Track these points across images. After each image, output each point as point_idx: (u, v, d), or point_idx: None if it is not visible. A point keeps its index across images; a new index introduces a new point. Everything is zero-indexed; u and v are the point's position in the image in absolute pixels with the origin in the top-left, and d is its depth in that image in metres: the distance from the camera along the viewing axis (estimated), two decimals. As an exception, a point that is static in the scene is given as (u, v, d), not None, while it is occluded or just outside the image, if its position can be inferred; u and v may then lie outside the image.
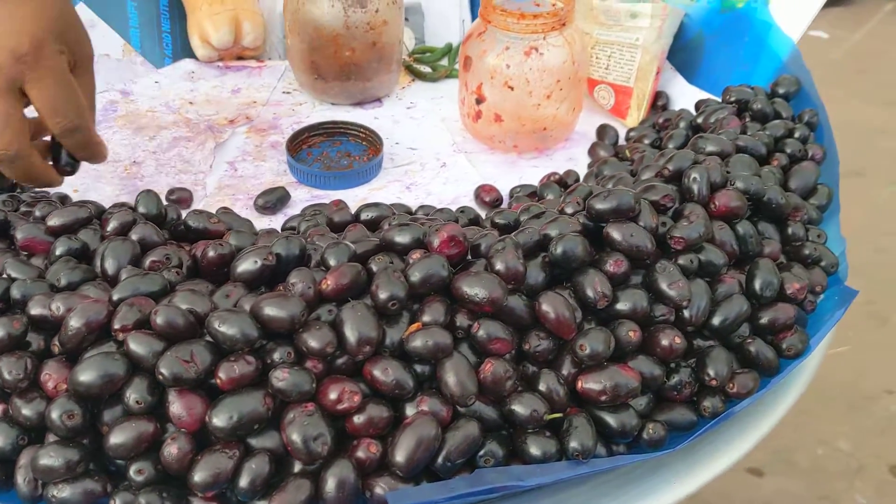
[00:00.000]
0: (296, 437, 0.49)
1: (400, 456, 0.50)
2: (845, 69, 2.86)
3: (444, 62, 1.16)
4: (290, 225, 0.79)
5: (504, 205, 0.89)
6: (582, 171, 0.94)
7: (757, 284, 0.62)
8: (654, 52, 0.99)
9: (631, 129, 0.98)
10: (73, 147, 0.73)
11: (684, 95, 1.03)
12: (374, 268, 0.57)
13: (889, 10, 3.32)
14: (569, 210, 0.66)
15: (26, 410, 0.51)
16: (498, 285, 0.54)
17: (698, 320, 0.59)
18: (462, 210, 0.78)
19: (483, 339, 0.54)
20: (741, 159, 0.71)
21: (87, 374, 0.50)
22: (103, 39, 1.09)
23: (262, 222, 0.86)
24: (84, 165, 0.93)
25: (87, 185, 0.91)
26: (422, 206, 0.86)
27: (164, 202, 0.73)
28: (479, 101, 0.94)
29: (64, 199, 0.85)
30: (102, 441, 0.50)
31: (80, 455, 0.50)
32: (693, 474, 0.58)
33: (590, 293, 0.57)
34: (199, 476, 0.49)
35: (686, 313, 0.59)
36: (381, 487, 0.50)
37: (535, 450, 0.52)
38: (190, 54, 1.15)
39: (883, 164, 2.40)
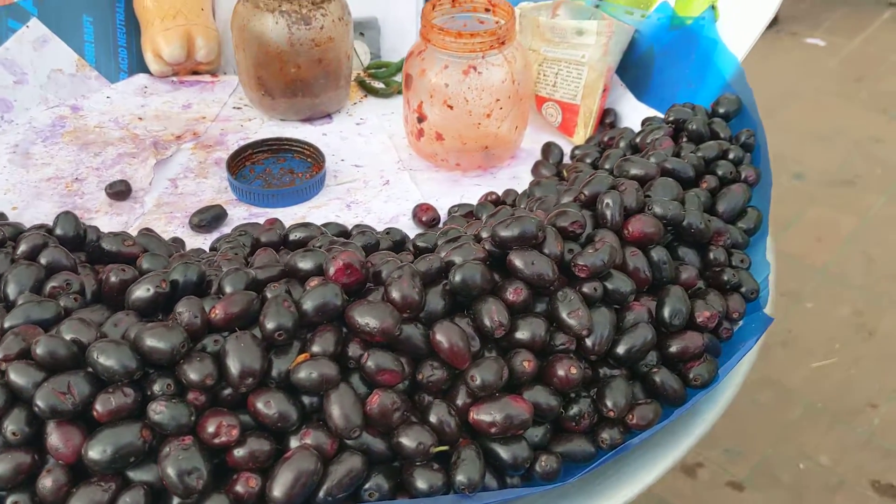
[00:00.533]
0: (171, 471, 0.49)
1: (277, 491, 0.49)
2: (842, 77, 2.84)
3: (399, 78, 1.15)
4: (215, 245, 0.79)
5: (441, 223, 0.88)
6: (523, 188, 0.93)
7: (666, 313, 0.62)
8: (601, 70, 0.98)
9: (576, 148, 0.98)
10: None
11: (634, 112, 1.02)
12: (268, 295, 0.57)
13: (887, 17, 3.30)
14: (484, 234, 0.66)
15: None
16: (390, 315, 0.54)
17: (601, 349, 0.59)
18: (388, 231, 0.77)
19: (371, 370, 0.53)
20: (664, 183, 0.70)
21: (-38, 406, 0.49)
22: (56, 55, 1.09)
23: (196, 241, 0.85)
24: (25, 182, 0.93)
25: (26, 202, 0.91)
26: (357, 226, 0.85)
27: (83, 223, 0.72)
28: (421, 119, 0.94)
29: (1, 216, 0.85)
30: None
31: (-46, 488, 0.49)
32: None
33: (487, 322, 0.56)
34: (73, 509, 0.49)
35: (588, 342, 0.58)
36: (258, 522, 0.49)
37: (421, 483, 0.52)
38: (145, 69, 1.15)
39: (876, 173, 2.38)
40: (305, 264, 0.60)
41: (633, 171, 0.72)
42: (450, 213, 0.89)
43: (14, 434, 0.50)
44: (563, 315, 0.57)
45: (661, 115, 0.96)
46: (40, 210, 0.90)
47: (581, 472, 0.55)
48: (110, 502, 0.49)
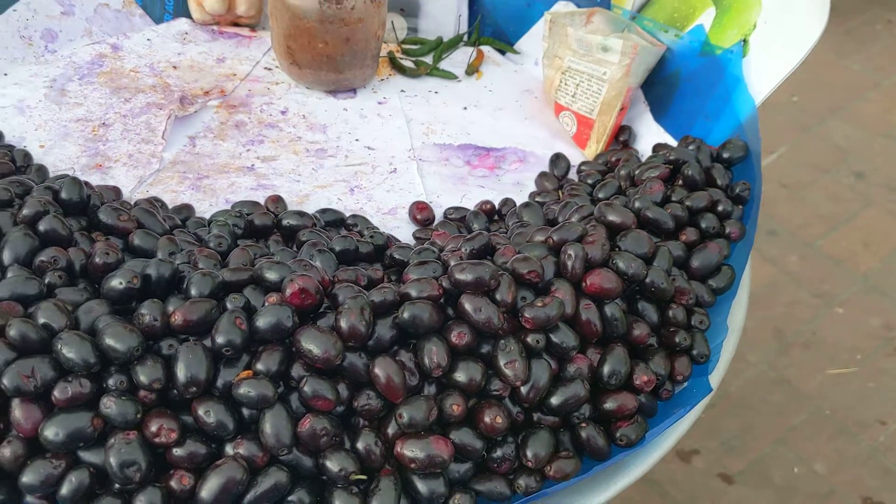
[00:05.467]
0: (113, 461, 0.54)
1: (205, 493, 0.54)
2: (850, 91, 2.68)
3: (430, 59, 1.16)
4: (214, 218, 0.83)
5: (436, 223, 0.91)
6: (526, 197, 0.95)
7: (605, 371, 0.65)
8: (620, 89, 0.98)
9: (583, 163, 0.99)
10: None
11: (649, 133, 1.02)
12: (228, 306, 0.61)
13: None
14: (452, 262, 0.69)
15: None
16: (333, 346, 0.58)
17: (533, 399, 0.62)
18: (372, 235, 0.80)
19: (307, 395, 0.58)
20: (636, 236, 0.72)
21: (-60, 372, 0.55)
22: (105, -12, 1.12)
23: (202, 206, 0.89)
24: (56, 121, 0.98)
25: (53, 141, 0.96)
26: (352, 216, 0.88)
27: (87, 189, 0.77)
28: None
29: (25, 157, 0.90)
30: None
31: (-72, 443, 0.56)
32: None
33: (427, 362, 0.60)
34: (27, 478, 0.54)
35: (522, 391, 0.62)
36: (184, 517, 0.55)
37: (338, 504, 0.57)
38: (189, 15, 1.18)
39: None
40: (271, 275, 0.64)
41: (611, 218, 0.74)
42: (445, 215, 0.91)
43: (-19, 405, 0.55)
44: (501, 364, 0.61)
45: (674, 143, 0.97)
46: (65, 152, 0.95)
47: (491, 513, 0.59)
48: (59, 477, 0.55)
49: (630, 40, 0.97)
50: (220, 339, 0.58)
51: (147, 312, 0.59)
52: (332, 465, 0.57)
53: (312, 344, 0.58)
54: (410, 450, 0.58)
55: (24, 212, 0.70)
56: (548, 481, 0.62)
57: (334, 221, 0.87)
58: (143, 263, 0.64)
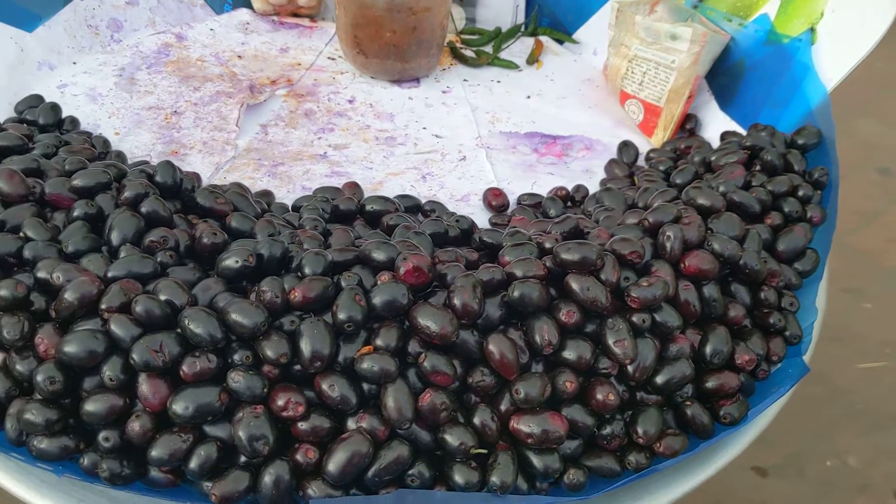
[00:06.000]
0: (242, 434, 0.55)
1: (332, 466, 0.55)
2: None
3: (489, 48, 1.17)
4: (298, 205, 0.84)
5: (511, 210, 0.92)
6: (596, 185, 0.96)
7: (708, 350, 0.65)
8: (688, 77, 0.99)
9: (652, 150, 1.00)
10: None
11: (715, 122, 1.03)
12: (343, 284, 0.62)
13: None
14: (547, 245, 0.69)
15: (19, 367, 0.58)
16: (449, 322, 0.59)
17: (640, 377, 0.63)
18: (458, 220, 0.81)
19: (427, 370, 0.59)
20: (727, 218, 0.73)
21: (71, 347, 0.56)
22: (169, -22, 1.14)
23: (280, 192, 0.90)
24: (129, 108, 0.99)
25: (127, 128, 0.97)
26: (429, 202, 0.89)
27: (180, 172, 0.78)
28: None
29: (104, 143, 0.91)
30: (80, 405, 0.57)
31: (58, 416, 0.57)
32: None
33: (538, 339, 0.61)
34: (156, 452, 0.55)
35: (629, 369, 0.63)
36: (312, 490, 0.56)
37: (458, 478, 0.58)
38: (249, 4, 1.19)
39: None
40: (379, 256, 0.65)
41: (700, 201, 0.75)
42: (519, 201, 0.92)
43: (111, 380, 0.56)
44: (610, 342, 0.62)
45: (742, 131, 0.98)
46: (140, 139, 0.96)
47: (605, 488, 0.60)
48: (188, 451, 0.56)
49: (699, 28, 0.98)
50: (342, 315, 0.58)
51: (268, 289, 0.60)
52: (452, 439, 0.58)
53: (430, 320, 0.59)
54: (527, 425, 0.59)
55: (126, 194, 0.70)
56: (656, 458, 0.63)
57: (412, 207, 0.88)
58: (254, 243, 0.65)
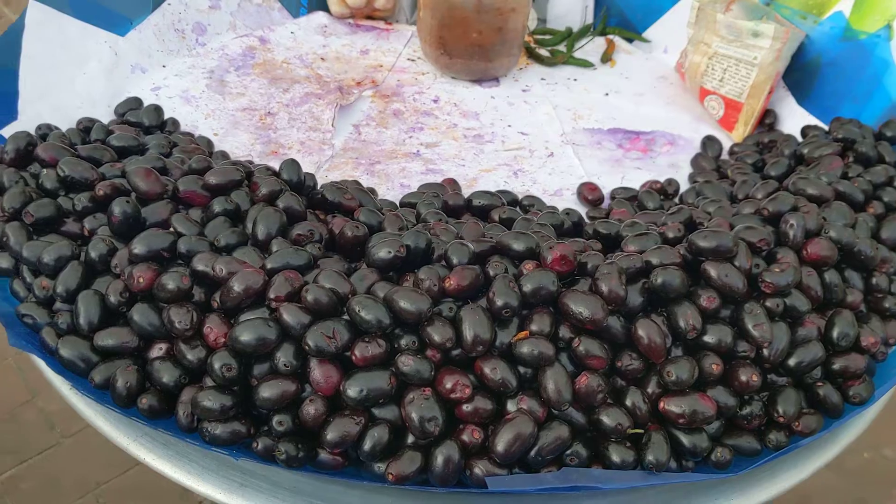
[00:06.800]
0: (414, 416, 0.57)
1: (500, 446, 0.58)
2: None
3: (562, 47, 1.20)
4: (407, 201, 0.86)
5: (605, 204, 0.94)
6: (682, 179, 0.99)
7: (835, 333, 0.68)
8: (770, 73, 1.02)
9: (735, 145, 1.02)
10: None
11: (792, 116, 1.06)
12: (491, 272, 0.64)
13: None
14: (670, 234, 0.72)
15: (189, 356, 0.61)
16: (601, 308, 0.61)
17: (776, 360, 0.65)
18: (567, 212, 0.84)
19: (582, 354, 0.61)
20: (838, 208, 0.75)
21: (245, 335, 0.59)
22: (247, -18, 1.16)
23: (380, 191, 0.93)
24: (223, 110, 1.01)
25: (225, 129, 0.99)
26: (527, 196, 0.92)
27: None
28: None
29: (209, 143, 0.94)
30: (252, 392, 0.60)
31: (233, 401, 0.59)
32: (748, 495, 0.65)
33: (682, 324, 0.63)
34: (330, 435, 0.58)
35: (766, 352, 0.65)
36: (479, 469, 0.58)
37: (615, 457, 0.60)
38: (323, 7, 1.21)
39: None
40: (518, 246, 0.67)
41: (810, 191, 0.77)
42: (613, 195, 0.95)
43: (286, 366, 0.59)
44: (749, 326, 0.64)
45: (822, 125, 1.00)
46: (238, 139, 0.98)
47: (749, 466, 0.62)
48: (361, 433, 0.58)
49: (783, 25, 1.00)
50: (499, 302, 0.61)
51: (426, 277, 0.62)
52: (609, 419, 0.60)
53: (582, 306, 0.61)
54: (677, 406, 0.61)
55: (262, 190, 0.73)
56: (794, 437, 0.65)
57: (511, 202, 0.91)
58: (399, 235, 0.68)
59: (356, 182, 0.85)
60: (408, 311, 0.60)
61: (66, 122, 0.91)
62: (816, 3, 1.08)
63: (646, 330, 0.62)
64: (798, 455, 0.67)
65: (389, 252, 0.65)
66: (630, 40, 1.23)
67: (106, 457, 1.90)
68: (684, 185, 0.97)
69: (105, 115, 0.97)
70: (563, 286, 0.64)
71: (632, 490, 0.64)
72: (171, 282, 0.62)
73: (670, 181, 0.96)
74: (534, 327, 0.62)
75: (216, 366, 0.59)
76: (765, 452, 0.65)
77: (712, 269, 0.65)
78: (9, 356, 2.13)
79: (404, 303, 0.60)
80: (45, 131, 0.86)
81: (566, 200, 0.95)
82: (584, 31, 1.21)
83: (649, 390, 0.63)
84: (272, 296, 0.61)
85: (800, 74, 1.08)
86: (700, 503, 0.64)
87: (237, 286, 0.61)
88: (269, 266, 0.64)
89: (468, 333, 0.60)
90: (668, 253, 0.67)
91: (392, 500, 0.64)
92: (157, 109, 0.95)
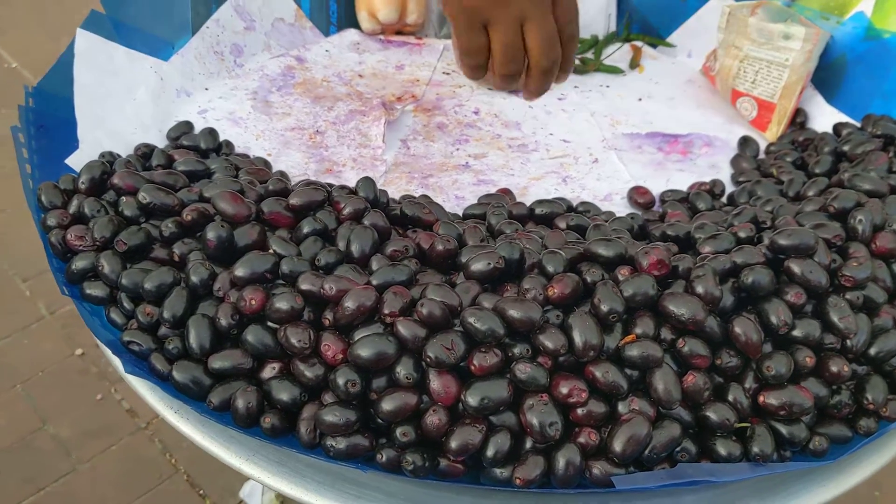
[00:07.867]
0: (534, 421, 0.60)
1: (618, 446, 0.60)
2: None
3: (590, 55, 1.23)
4: (471, 213, 0.88)
5: (655, 208, 0.97)
6: (723, 178, 1.02)
7: (910, 321, 0.71)
8: (801, 74, 1.05)
9: (771, 144, 1.06)
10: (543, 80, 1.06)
11: (822, 115, 1.09)
12: (588, 279, 0.67)
13: None
14: (742, 234, 0.75)
15: (308, 373, 0.63)
16: (701, 308, 0.64)
17: (859, 350, 0.69)
18: (632, 216, 0.86)
19: (687, 354, 0.64)
20: (894, 201, 0.79)
21: (366, 350, 0.60)
22: (279, 3, 1.18)
23: (436, 202, 0.95)
24: (272, 130, 1.03)
25: (277, 149, 1.01)
26: (582, 203, 0.94)
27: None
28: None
29: (266, 164, 0.95)
30: (372, 405, 0.61)
31: (357, 416, 0.61)
32: (837, 482, 0.68)
33: (774, 320, 0.66)
34: (454, 443, 0.60)
35: (849, 343, 0.68)
36: (598, 469, 0.61)
37: (722, 451, 0.63)
38: (352, 24, 1.23)
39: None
40: (607, 252, 0.70)
41: (866, 187, 0.81)
42: (662, 198, 0.98)
43: (407, 378, 0.61)
44: (835, 319, 0.67)
45: (854, 122, 1.04)
46: (292, 159, 1.00)
47: (845, 452, 0.65)
48: (483, 440, 0.60)
49: (812, 27, 1.04)
50: (605, 308, 0.63)
51: (531, 287, 0.65)
52: (716, 416, 0.63)
53: (683, 308, 0.64)
54: (777, 399, 0.64)
55: (348, 210, 0.75)
56: (882, 422, 0.69)
57: (567, 209, 0.93)
58: (492, 246, 0.70)
59: (426, 196, 0.87)
60: (521, 321, 0.62)
61: (122, 147, 0.92)
62: (838, 4, 1.12)
63: (743, 327, 0.65)
64: (879, 441, 0.71)
65: (489, 264, 0.67)
66: (654, 45, 1.26)
67: (123, 481, 1.90)
68: (727, 186, 1.00)
69: (157, 140, 0.98)
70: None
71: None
72: (284, 303, 0.64)
73: (715, 182, 0.99)
74: (638, 330, 0.64)
75: (340, 382, 0.61)
76: (856, 439, 0.68)
77: (796, 266, 0.68)
78: (17, 383, 2.12)
79: (517, 312, 0.62)
80: (110, 159, 0.87)
81: (616, 205, 0.98)
82: (610, 39, 1.24)
83: (746, 385, 0.66)
84: (386, 311, 0.63)
85: (826, 73, 1.11)
86: (797, 489, 0.67)
87: (350, 303, 0.63)
88: (374, 283, 0.66)
89: (579, 339, 0.62)
90: (753, 252, 0.70)
91: (500, 503, 0.66)
92: (213, 132, 0.96)
